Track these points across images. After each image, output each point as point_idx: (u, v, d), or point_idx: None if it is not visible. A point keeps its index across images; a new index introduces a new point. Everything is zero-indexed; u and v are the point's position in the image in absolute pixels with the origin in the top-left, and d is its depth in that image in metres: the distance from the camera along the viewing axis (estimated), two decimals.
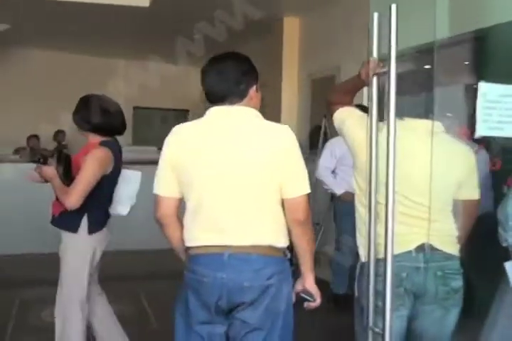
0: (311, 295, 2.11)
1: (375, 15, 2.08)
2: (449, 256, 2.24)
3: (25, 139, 8.85)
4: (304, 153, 2.11)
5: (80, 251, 3.08)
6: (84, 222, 3.03)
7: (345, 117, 2.32)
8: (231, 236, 1.98)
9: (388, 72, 1.96)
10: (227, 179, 2.00)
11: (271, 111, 6.49)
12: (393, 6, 1.95)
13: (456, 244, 2.29)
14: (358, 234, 2.31)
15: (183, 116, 10.72)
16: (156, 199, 2.13)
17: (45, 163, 3.12)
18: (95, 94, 3.21)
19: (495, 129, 2.12)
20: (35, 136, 8.88)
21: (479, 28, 3.21)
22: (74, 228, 3.04)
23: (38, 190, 3.52)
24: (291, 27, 6.78)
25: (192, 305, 2.03)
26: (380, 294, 2.09)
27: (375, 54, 2.10)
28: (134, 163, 3.87)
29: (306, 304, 2.12)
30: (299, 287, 2.12)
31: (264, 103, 6.28)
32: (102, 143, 3.08)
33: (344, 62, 5.60)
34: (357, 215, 2.30)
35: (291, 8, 6.57)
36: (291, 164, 2.02)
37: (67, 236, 3.06)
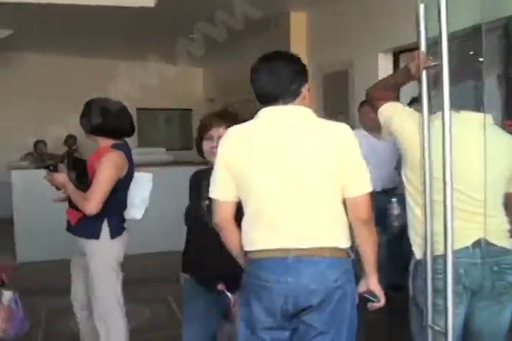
0: (375, 295, 2.06)
1: (421, 7, 2.02)
2: (504, 251, 2.20)
3: (32, 144, 8.75)
4: None
5: (106, 257, 3.03)
6: (105, 227, 2.99)
7: (392, 113, 2.27)
8: (294, 238, 1.94)
9: (441, 64, 1.92)
10: (288, 180, 1.95)
11: None
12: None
13: (510, 238, 2.25)
14: (412, 233, 2.27)
15: (186, 115, 10.69)
16: (214, 204, 2.09)
17: (55, 170, 3.05)
18: (101, 97, 3.15)
19: None
20: (42, 142, 8.79)
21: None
22: (96, 234, 2.99)
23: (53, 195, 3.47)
24: (298, 22, 6.70)
25: (256, 310, 1.98)
26: (439, 292, 2.06)
27: (423, 47, 2.05)
28: (144, 165, 3.85)
29: (369, 305, 2.08)
30: (362, 288, 2.08)
31: None
32: (115, 146, 3.04)
33: (357, 56, 5.55)
34: (410, 214, 2.25)
35: (298, 3, 6.51)
36: (352, 162, 1.98)
37: (89, 244, 3.01)
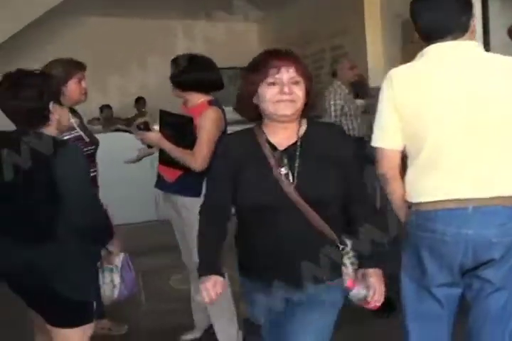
0: None
1: None
2: None
3: (97, 110, 8.73)
4: None
5: None
6: (204, 185, 2.88)
7: None
8: (474, 187, 1.78)
9: None
10: (474, 122, 1.79)
11: (355, 59, 6.12)
12: None
13: None
14: None
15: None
16: (379, 153, 1.95)
17: (147, 128, 3.00)
18: (186, 53, 3.08)
19: None
20: (108, 106, 8.77)
21: None
22: (198, 192, 2.88)
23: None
24: None
25: (430, 266, 1.86)
26: None
27: None
28: None
29: None
30: None
31: (346, 52, 5.90)
32: (212, 103, 2.98)
33: None
34: None
35: None
36: None
37: (189, 201, 2.92)
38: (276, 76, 1.75)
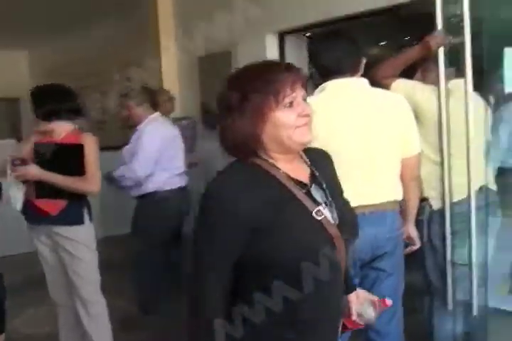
0: (412, 240, 2.41)
1: None
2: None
3: None
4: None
5: (89, 241, 2.99)
6: (85, 211, 2.96)
7: (412, 90, 2.55)
8: (370, 196, 2.19)
9: (464, 43, 2.31)
10: (365, 149, 2.17)
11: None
12: None
13: None
14: (426, 189, 2.61)
15: (13, 104, 9.49)
16: None
17: (25, 164, 2.87)
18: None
19: None
20: None
21: None
22: (80, 219, 2.94)
23: None
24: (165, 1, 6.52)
25: None
26: (457, 233, 2.51)
27: (440, 26, 2.42)
28: None
29: (408, 248, 2.40)
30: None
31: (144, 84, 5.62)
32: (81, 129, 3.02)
33: (241, 37, 5.40)
34: (424, 172, 2.53)
35: None
36: (409, 127, 2.26)
37: (73, 231, 2.92)
38: (293, 94, 1.37)
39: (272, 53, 5.13)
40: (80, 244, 2.94)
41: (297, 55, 4.81)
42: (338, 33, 2.30)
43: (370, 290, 2.10)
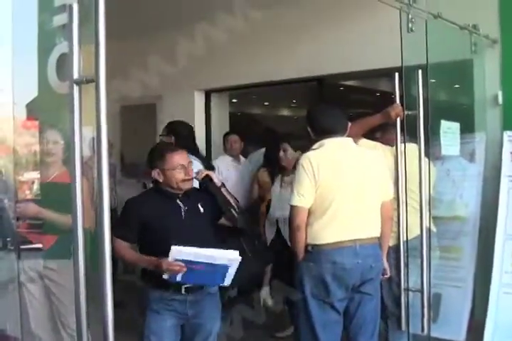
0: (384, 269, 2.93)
1: (396, 75, 3.04)
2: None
3: None
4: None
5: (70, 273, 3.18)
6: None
7: (374, 148, 3.13)
8: (358, 232, 2.72)
9: (418, 114, 3.00)
10: (357, 193, 2.73)
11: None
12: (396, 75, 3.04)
13: None
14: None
15: None
16: (296, 210, 2.72)
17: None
18: None
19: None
20: None
21: None
22: (70, 252, 3.12)
23: None
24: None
25: (332, 287, 2.68)
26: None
27: (398, 100, 3.10)
28: None
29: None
30: None
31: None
32: None
33: (165, 90, 5.76)
34: None
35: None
36: (386, 178, 2.90)
37: (61, 263, 3.04)
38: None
39: (198, 108, 5.70)
40: (67, 275, 3.06)
41: (220, 111, 5.86)
42: (332, 103, 2.95)
43: (355, 311, 2.75)
